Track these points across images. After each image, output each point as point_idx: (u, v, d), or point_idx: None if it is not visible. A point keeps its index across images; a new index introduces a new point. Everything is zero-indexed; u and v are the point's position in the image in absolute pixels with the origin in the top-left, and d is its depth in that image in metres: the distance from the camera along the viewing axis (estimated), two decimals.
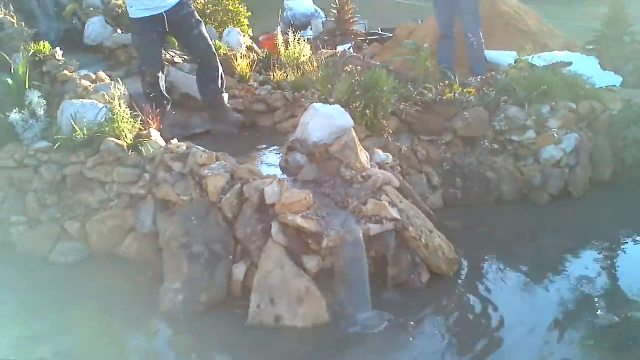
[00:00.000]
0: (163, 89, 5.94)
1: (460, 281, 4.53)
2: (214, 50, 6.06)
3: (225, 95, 6.25)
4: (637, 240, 5.05)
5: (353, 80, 5.40)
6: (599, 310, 3.91)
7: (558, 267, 4.66)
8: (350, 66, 5.72)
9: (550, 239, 5.15)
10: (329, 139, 4.93)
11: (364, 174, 4.69)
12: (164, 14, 5.72)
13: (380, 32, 9.51)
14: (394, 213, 4.39)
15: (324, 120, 4.98)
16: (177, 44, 6.97)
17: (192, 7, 5.98)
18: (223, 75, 6.16)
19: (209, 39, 6.02)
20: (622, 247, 4.99)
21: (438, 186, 5.69)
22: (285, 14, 11.08)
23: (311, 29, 10.61)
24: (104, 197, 5.06)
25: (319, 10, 11.13)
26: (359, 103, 5.30)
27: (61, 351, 3.82)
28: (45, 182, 5.17)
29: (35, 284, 4.61)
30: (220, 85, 6.10)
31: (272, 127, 6.49)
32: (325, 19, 10.98)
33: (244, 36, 7.36)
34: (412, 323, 4.03)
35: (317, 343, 3.90)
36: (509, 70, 6.32)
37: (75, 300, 4.40)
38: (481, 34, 7.13)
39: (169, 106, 6.06)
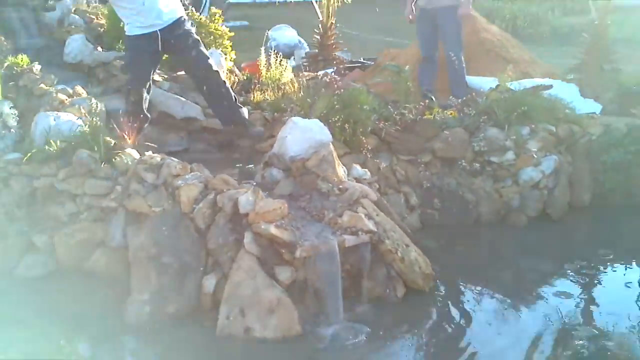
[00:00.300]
0: (145, 108, 5.84)
1: (436, 297, 4.44)
2: (215, 68, 5.94)
3: (244, 110, 6.13)
4: (615, 266, 4.99)
5: (333, 96, 5.35)
6: (577, 339, 3.76)
7: (535, 291, 4.57)
8: (330, 81, 5.69)
9: (528, 262, 5.10)
10: (306, 153, 4.87)
11: (340, 186, 4.61)
12: (158, 32, 5.66)
13: (362, 60, 9.52)
14: (370, 225, 4.30)
15: (302, 134, 4.93)
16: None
17: (190, 26, 5.88)
18: (231, 90, 6.05)
19: (208, 58, 5.90)
20: (600, 271, 4.92)
21: (416, 206, 5.61)
22: (268, 44, 11.10)
23: (294, 58, 10.65)
24: (74, 210, 4.92)
25: (302, 41, 11.19)
26: (337, 117, 5.24)
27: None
28: (15, 194, 5.02)
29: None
30: (232, 100, 5.98)
31: (251, 147, 6.38)
32: (308, 49, 11.04)
33: (225, 59, 7.30)
34: (385, 337, 3.94)
35: (287, 355, 3.78)
36: (489, 93, 6.30)
37: (37, 313, 4.23)
38: (462, 58, 7.14)
39: (147, 124, 5.96)
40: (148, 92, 5.85)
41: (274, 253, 4.11)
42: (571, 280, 4.73)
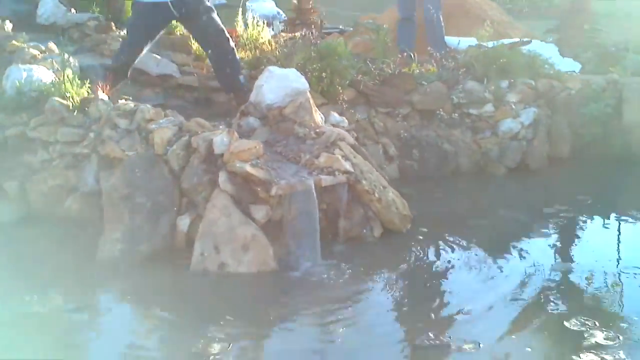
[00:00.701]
0: (129, 71, 5.72)
1: (413, 239, 4.38)
2: (226, 34, 5.81)
3: (242, 77, 6.02)
4: (593, 216, 4.95)
5: (310, 46, 5.29)
6: (551, 295, 3.67)
7: (513, 240, 4.45)
8: (308, 36, 5.63)
9: (506, 212, 5.05)
10: (283, 101, 4.81)
11: (317, 130, 4.56)
12: (169, 2, 5.55)
13: (341, 27, 9.45)
14: (347, 166, 4.26)
15: (278, 82, 4.86)
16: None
17: None
18: (237, 58, 5.95)
19: (218, 23, 5.75)
20: (579, 221, 4.87)
21: (394, 157, 5.57)
22: (247, 15, 10.98)
23: (272, 28, 10.53)
24: (46, 157, 4.83)
25: (281, 12, 11.08)
26: (315, 66, 5.18)
27: None
28: None
29: None
30: (235, 69, 5.86)
31: (228, 103, 6.31)
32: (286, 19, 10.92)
33: None
34: (360, 275, 3.89)
35: (260, 289, 3.76)
36: (468, 49, 6.28)
37: (9, 258, 4.14)
38: (441, 17, 7.10)
39: (122, 82, 5.85)
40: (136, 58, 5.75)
41: (249, 192, 4.04)
42: (549, 230, 4.67)
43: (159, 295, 3.66)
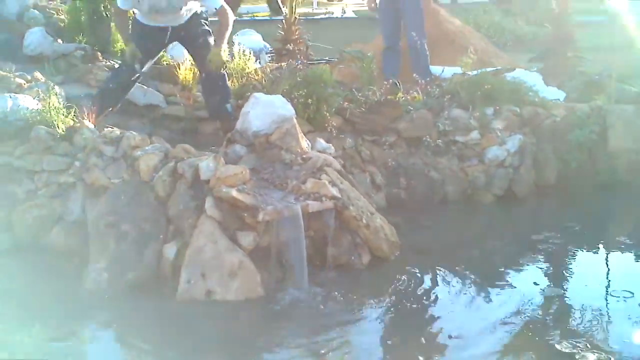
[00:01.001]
0: (122, 97, 5.71)
1: (401, 267, 4.35)
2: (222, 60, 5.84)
3: (229, 106, 6.01)
4: (582, 244, 4.91)
5: (296, 73, 5.31)
6: (541, 320, 3.64)
7: (501, 270, 4.44)
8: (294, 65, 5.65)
9: (494, 241, 5.03)
10: (269, 128, 4.80)
11: (304, 156, 4.56)
12: (170, 27, 5.60)
13: (327, 58, 9.50)
14: (334, 192, 4.24)
15: (264, 109, 4.86)
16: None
17: (202, 17, 5.79)
18: (228, 85, 5.97)
19: None
20: (567, 250, 4.81)
21: (382, 186, 5.55)
22: (233, 47, 11.03)
23: (259, 62, 10.58)
24: (32, 187, 4.78)
25: (267, 45, 11.14)
26: (301, 92, 5.19)
27: None
28: None
29: None
30: (225, 96, 5.85)
31: (215, 134, 6.31)
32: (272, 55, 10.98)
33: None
34: (348, 302, 3.86)
35: (248, 316, 3.73)
36: (453, 77, 6.32)
37: None
38: (426, 45, 7.16)
39: (110, 110, 5.81)
40: (133, 84, 5.75)
41: (235, 218, 4.02)
42: (538, 257, 4.64)
43: (145, 325, 3.62)
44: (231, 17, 5.67)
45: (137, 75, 5.66)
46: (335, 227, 4.24)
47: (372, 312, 3.73)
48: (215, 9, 5.55)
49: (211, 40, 5.77)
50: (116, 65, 6.41)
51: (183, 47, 6.25)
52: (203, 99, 6.14)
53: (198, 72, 6.15)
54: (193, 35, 5.73)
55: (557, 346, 3.19)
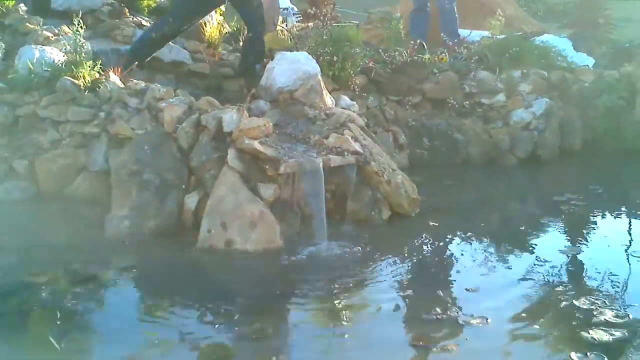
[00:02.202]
0: (160, 47, 5.68)
1: (421, 223, 4.36)
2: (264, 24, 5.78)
3: (258, 65, 5.99)
4: (604, 205, 4.87)
5: (322, 29, 5.27)
6: (560, 277, 3.61)
7: (522, 227, 4.46)
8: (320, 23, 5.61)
9: (516, 203, 5.04)
10: (294, 84, 4.81)
11: (327, 111, 4.55)
12: None
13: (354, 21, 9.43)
14: (357, 147, 4.24)
15: (289, 65, 4.87)
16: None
17: None
18: (263, 50, 5.93)
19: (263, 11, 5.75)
20: (590, 214, 4.74)
21: (405, 145, 5.54)
22: None
23: (286, 24, 10.53)
24: (56, 137, 4.83)
25: (294, 7, 11.08)
26: (327, 49, 5.16)
27: None
28: None
29: None
30: (259, 57, 5.77)
31: (239, 91, 6.31)
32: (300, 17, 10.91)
33: (216, 12, 7.21)
34: (366, 255, 3.86)
35: (266, 266, 3.74)
36: (481, 40, 6.24)
37: (19, 235, 4.12)
38: (455, 8, 7.06)
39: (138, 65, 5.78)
40: (173, 39, 5.74)
41: (257, 170, 4.03)
42: (559, 216, 4.63)
43: (165, 271, 3.67)
44: None
45: (182, 31, 5.62)
46: (356, 182, 4.24)
47: (390, 265, 3.73)
48: None
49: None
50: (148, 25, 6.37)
51: (235, 6, 6.19)
52: (234, 56, 6.09)
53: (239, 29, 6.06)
54: None
55: (575, 302, 3.16)
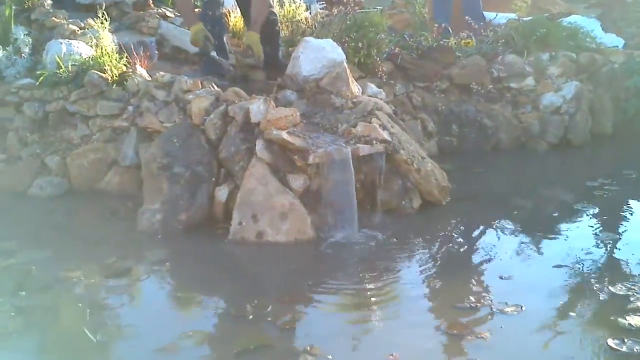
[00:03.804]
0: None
1: (452, 212, 4.32)
2: (275, 13, 5.69)
3: (279, 54, 5.95)
4: (638, 192, 4.79)
5: (346, 15, 5.24)
6: (595, 263, 3.57)
7: (555, 214, 4.43)
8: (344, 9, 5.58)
9: (548, 189, 4.96)
10: (319, 72, 4.80)
11: (354, 100, 4.52)
12: None
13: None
14: (385, 135, 4.20)
15: (314, 53, 4.84)
16: None
17: None
18: (279, 37, 5.85)
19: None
20: (623, 196, 4.69)
21: (433, 133, 5.50)
22: None
23: (310, 12, 10.49)
24: (86, 132, 4.89)
25: None
26: (352, 35, 5.12)
27: (31, 261, 3.65)
28: (27, 119, 5.02)
29: (9, 215, 4.46)
30: (275, 46, 5.74)
31: (264, 81, 6.30)
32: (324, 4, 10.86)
33: None
34: (397, 244, 3.85)
35: (297, 257, 3.74)
36: (508, 22, 6.17)
37: (53, 231, 4.17)
38: None
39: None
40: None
41: (286, 161, 4.02)
42: (593, 201, 4.57)
43: (197, 264, 3.67)
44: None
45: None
46: (386, 170, 4.20)
47: (422, 254, 3.71)
48: None
49: None
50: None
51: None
52: None
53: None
54: None
55: (611, 288, 3.13)
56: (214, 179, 4.16)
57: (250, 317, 2.97)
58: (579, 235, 3.95)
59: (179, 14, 6.67)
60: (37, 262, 3.63)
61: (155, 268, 3.61)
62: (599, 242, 3.84)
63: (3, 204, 4.62)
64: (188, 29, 5.40)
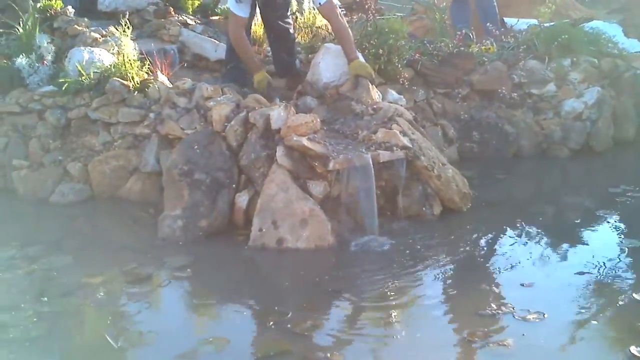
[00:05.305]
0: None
1: (473, 219, 4.30)
2: (290, 21, 5.67)
3: (298, 62, 5.97)
4: None
5: (367, 21, 5.24)
6: (618, 270, 3.50)
7: (577, 221, 4.38)
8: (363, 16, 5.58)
9: (569, 196, 4.92)
10: (339, 79, 4.81)
11: (374, 106, 4.52)
12: None
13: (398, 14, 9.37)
14: (405, 141, 4.20)
15: (335, 60, 4.86)
16: None
17: None
18: (295, 45, 5.83)
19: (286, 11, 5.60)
20: None
21: (454, 139, 5.48)
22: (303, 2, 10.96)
23: None
24: (108, 139, 4.93)
25: (338, 1, 11.02)
26: (372, 42, 5.12)
27: (53, 267, 3.68)
28: (49, 127, 5.06)
29: (32, 222, 4.53)
30: (292, 55, 5.74)
31: (284, 88, 6.32)
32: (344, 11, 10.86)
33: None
34: (418, 250, 3.83)
35: (319, 264, 3.73)
36: (529, 28, 6.14)
37: (74, 238, 4.21)
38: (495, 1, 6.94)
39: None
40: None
41: (306, 167, 4.02)
42: (616, 208, 4.51)
43: (218, 271, 3.68)
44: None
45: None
46: (406, 177, 4.20)
47: (443, 261, 3.69)
48: (320, 3, 4.93)
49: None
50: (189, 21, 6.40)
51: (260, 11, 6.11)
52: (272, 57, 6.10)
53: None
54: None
55: (635, 295, 3.09)
56: (234, 186, 4.18)
57: (271, 323, 2.96)
58: (601, 241, 3.91)
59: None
60: (59, 268, 3.67)
61: (176, 274, 3.61)
62: (621, 248, 3.80)
63: (25, 210, 4.70)
64: (251, 77, 5.37)
